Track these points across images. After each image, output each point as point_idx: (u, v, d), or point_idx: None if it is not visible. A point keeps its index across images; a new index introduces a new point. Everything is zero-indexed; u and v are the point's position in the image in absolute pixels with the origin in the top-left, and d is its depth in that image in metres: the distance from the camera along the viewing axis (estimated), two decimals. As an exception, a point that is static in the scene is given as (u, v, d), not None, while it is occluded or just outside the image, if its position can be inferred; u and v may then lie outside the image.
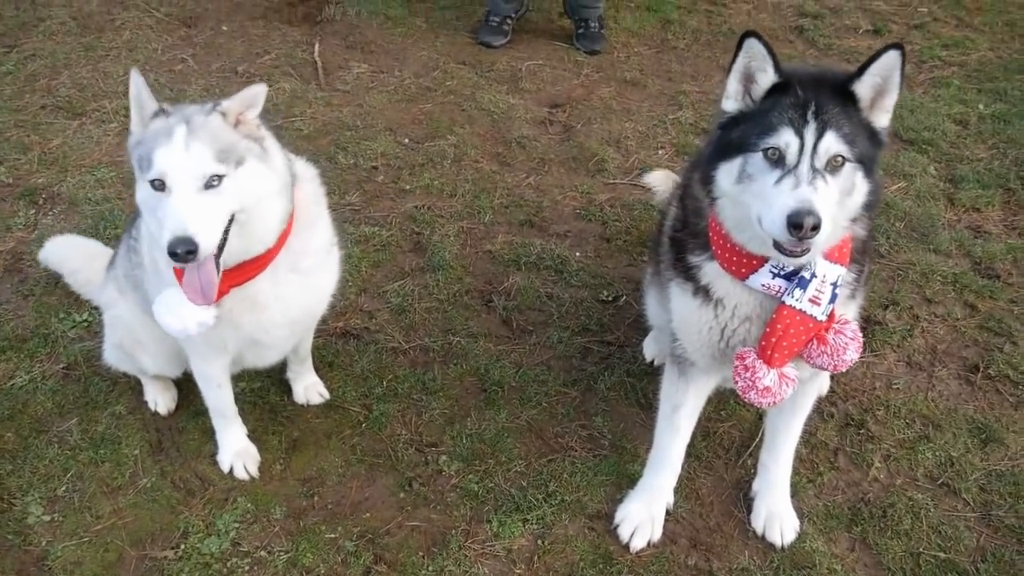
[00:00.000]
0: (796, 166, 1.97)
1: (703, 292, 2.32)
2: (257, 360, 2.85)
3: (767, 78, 2.05)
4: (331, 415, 3.16)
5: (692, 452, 2.94)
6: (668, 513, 2.83)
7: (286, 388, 3.22)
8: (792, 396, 2.59)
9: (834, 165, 1.99)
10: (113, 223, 3.89)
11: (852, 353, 2.24)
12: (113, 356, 3.04)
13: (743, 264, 2.19)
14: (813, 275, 2.16)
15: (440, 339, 3.48)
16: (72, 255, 3.47)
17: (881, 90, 2.07)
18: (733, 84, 2.09)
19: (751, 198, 2.04)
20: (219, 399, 2.88)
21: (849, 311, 2.34)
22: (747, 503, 2.88)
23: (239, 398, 3.05)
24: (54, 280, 3.58)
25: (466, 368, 3.36)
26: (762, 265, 2.18)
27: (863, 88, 2.05)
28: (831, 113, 1.99)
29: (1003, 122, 4.85)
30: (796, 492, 2.88)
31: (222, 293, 2.37)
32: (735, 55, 2.06)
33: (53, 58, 5.17)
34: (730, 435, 3.13)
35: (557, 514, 2.84)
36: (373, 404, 3.19)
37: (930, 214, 4.15)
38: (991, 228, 4.11)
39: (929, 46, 5.68)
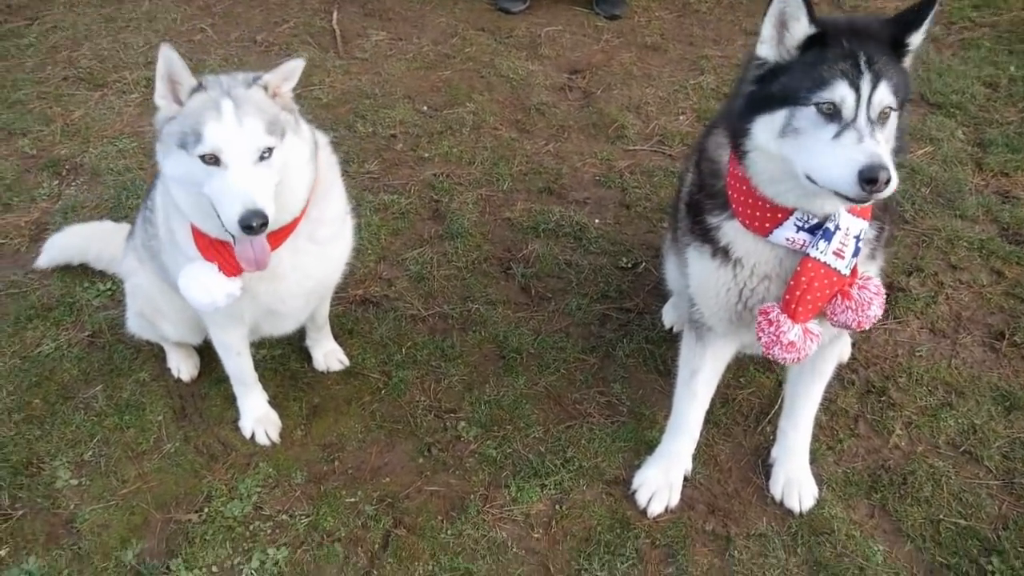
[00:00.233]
0: (854, 120, 1.93)
1: (722, 253, 2.30)
2: (273, 329, 2.88)
3: (800, 28, 1.97)
4: (351, 382, 3.18)
5: (711, 419, 2.93)
6: (686, 479, 2.84)
7: (306, 355, 3.25)
8: (812, 361, 2.60)
9: (884, 116, 1.97)
10: (135, 193, 3.92)
11: (876, 309, 2.19)
12: (136, 324, 3.08)
13: (767, 219, 2.15)
14: (837, 227, 2.13)
15: (459, 306, 3.49)
16: (81, 244, 3.46)
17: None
18: (768, 29, 2.01)
19: (796, 152, 1.99)
20: (239, 367, 2.91)
21: (871, 272, 2.31)
22: (766, 469, 2.88)
23: (260, 365, 3.09)
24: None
25: (485, 335, 3.37)
26: (786, 219, 2.15)
27: (917, 38, 2.03)
28: (881, 64, 1.94)
29: (1034, 84, 4.75)
30: (815, 459, 2.87)
31: (231, 264, 2.40)
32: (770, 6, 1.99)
33: (74, 30, 5.20)
34: (749, 402, 3.12)
35: (575, 480, 2.85)
36: (392, 371, 3.21)
37: (957, 179, 4.09)
38: (1020, 193, 4.03)
39: (960, 7, 5.56)
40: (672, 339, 3.28)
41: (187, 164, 2.20)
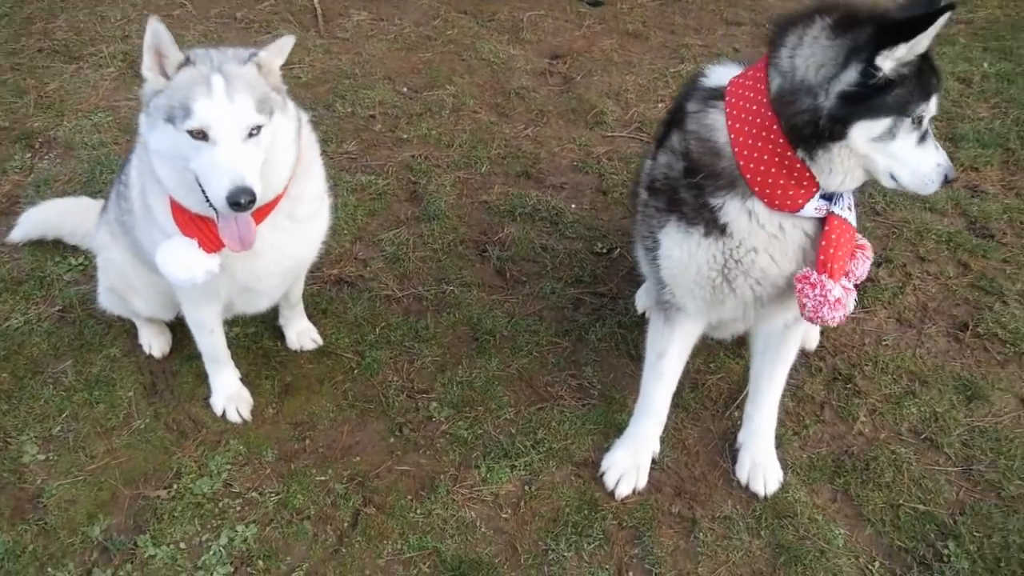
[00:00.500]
0: (927, 128, 2.16)
1: (718, 230, 2.31)
2: (248, 307, 2.88)
3: (917, 47, 2.03)
4: (324, 361, 3.19)
5: (680, 403, 2.97)
6: (654, 462, 2.88)
7: (279, 334, 3.25)
8: (777, 345, 2.70)
9: None
10: (109, 167, 3.89)
11: (864, 268, 2.36)
12: (107, 299, 3.07)
13: (799, 196, 2.21)
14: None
15: (434, 288, 3.50)
16: (57, 220, 3.44)
17: None
18: (903, 49, 2.02)
19: (883, 154, 2.14)
20: (212, 344, 2.91)
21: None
22: (732, 454, 2.92)
23: (233, 343, 3.09)
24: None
25: (459, 317, 3.38)
26: (814, 194, 2.22)
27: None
28: None
29: (1007, 81, 4.81)
30: (781, 444, 2.92)
31: (213, 240, 2.39)
32: (923, 30, 1.99)
33: (50, 1, 5.13)
34: (718, 387, 3.16)
35: (544, 461, 2.88)
36: (365, 351, 3.22)
37: (928, 172, 4.13)
38: (988, 188, 4.09)
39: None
40: (644, 324, 3.29)
41: (174, 138, 2.19)
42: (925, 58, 2.06)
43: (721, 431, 3.02)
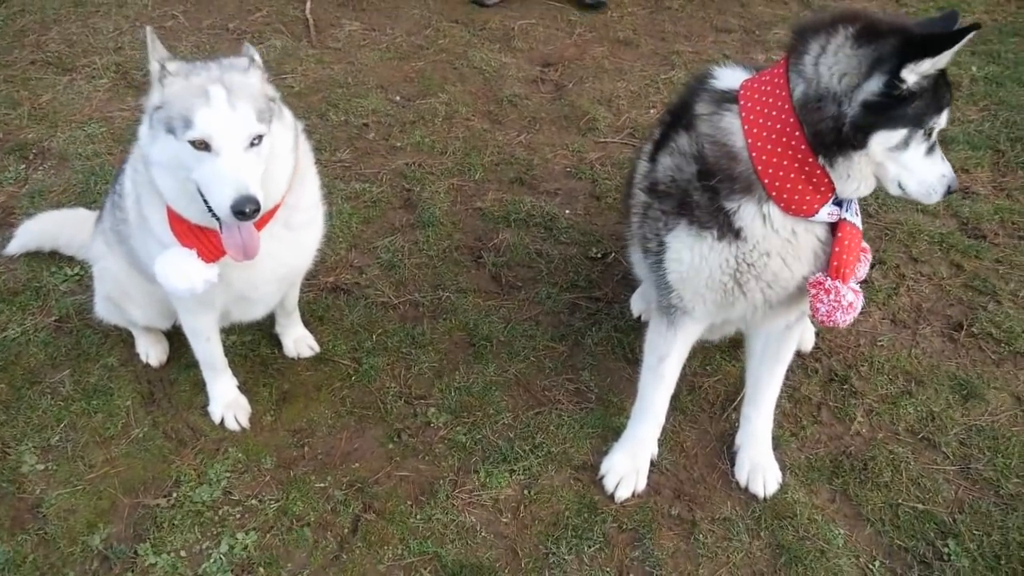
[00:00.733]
0: (935, 140, 2.21)
1: (732, 234, 2.32)
2: (244, 315, 2.88)
3: (940, 62, 2.06)
4: (321, 368, 3.19)
5: (677, 406, 2.98)
6: (652, 464, 2.88)
7: (277, 341, 3.25)
8: (775, 347, 2.72)
9: None
10: (103, 177, 3.89)
11: (864, 269, 2.44)
12: (103, 308, 3.06)
13: (815, 201, 2.24)
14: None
15: (430, 294, 3.50)
16: (53, 231, 3.44)
17: None
18: (927, 64, 2.06)
19: (894, 163, 2.19)
20: (209, 352, 2.91)
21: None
22: (730, 456, 2.93)
23: (230, 351, 3.09)
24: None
25: (455, 323, 3.39)
26: (828, 199, 2.25)
27: None
28: None
29: (995, 84, 4.85)
30: (779, 445, 2.93)
31: (214, 250, 2.39)
32: (950, 47, 2.02)
33: (42, 13, 5.14)
34: (715, 389, 3.17)
35: (543, 465, 2.89)
36: (363, 357, 3.23)
37: (919, 175, 4.16)
38: (979, 189, 4.13)
39: (925, 8, 5.67)
40: (640, 327, 3.32)
41: (175, 149, 2.19)
42: (942, 73, 2.10)
43: (719, 433, 3.03)
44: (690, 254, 2.39)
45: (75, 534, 2.63)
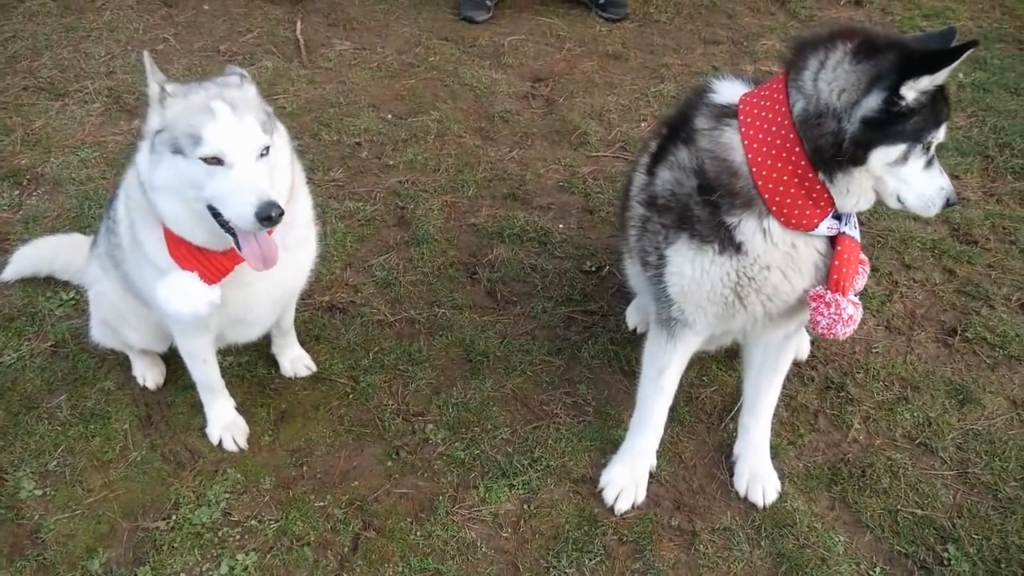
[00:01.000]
0: (934, 154, 2.24)
1: (733, 248, 2.33)
2: (239, 337, 2.89)
3: (939, 79, 2.08)
4: (318, 387, 3.19)
5: (675, 417, 2.99)
6: (651, 476, 2.89)
7: (273, 361, 3.25)
8: (775, 355, 2.74)
9: None
10: (98, 202, 3.89)
11: (862, 281, 2.46)
12: (100, 332, 3.06)
13: (815, 215, 2.26)
14: None
15: (425, 311, 3.51)
16: (49, 256, 3.43)
17: None
18: (926, 81, 2.08)
19: (893, 177, 2.21)
20: (205, 374, 2.91)
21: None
22: (729, 465, 2.94)
23: (227, 372, 3.09)
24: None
25: (451, 339, 3.39)
26: (828, 213, 2.27)
27: None
28: None
29: (982, 90, 4.89)
30: (777, 454, 2.94)
31: (230, 269, 2.41)
32: (949, 64, 2.04)
33: (34, 39, 5.15)
34: (712, 400, 3.18)
35: (543, 479, 2.89)
36: (360, 376, 3.23)
37: (909, 182, 4.19)
38: (969, 194, 4.16)
39: (910, 16, 5.72)
40: (636, 340, 3.33)
41: (184, 168, 2.20)
42: (940, 88, 2.12)
43: (717, 443, 3.04)
44: (692, 268, 2.40)
45: (74, 559, 2.62)
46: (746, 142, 2.23)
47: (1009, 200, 4.11)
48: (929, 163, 2.23)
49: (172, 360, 3.13)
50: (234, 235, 2.28)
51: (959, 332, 3.43)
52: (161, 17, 5.47)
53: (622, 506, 2.80)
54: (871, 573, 2.63)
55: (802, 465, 2.95)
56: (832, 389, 3.22)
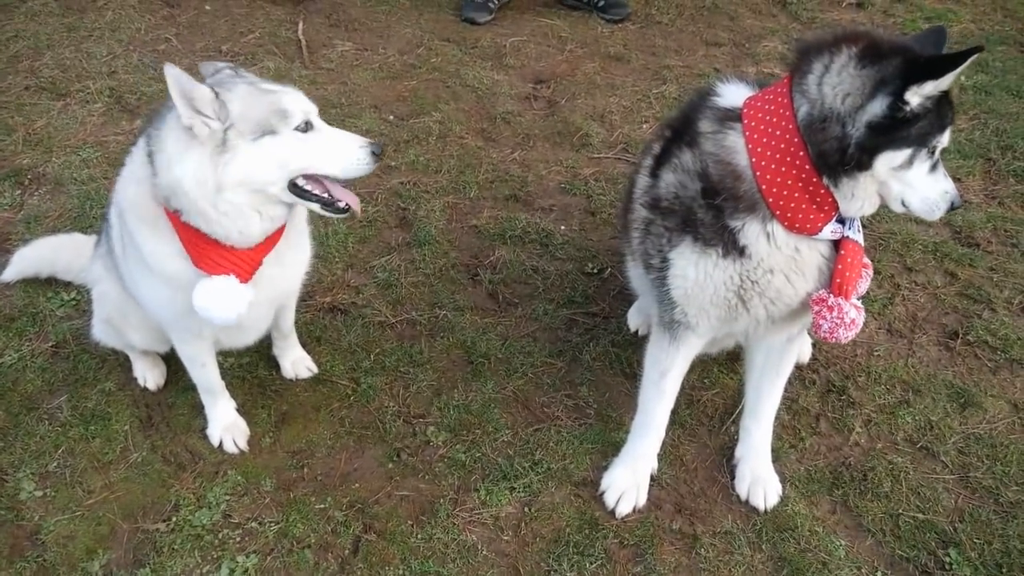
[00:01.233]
0: (938, 158, 2.23)
1: (736, 251, 2.33)
2: (235, 342, 2.89)
3: (943, 84, 2.08)
4: (319, 389, 3.19)
5: (676, 420, 2.98)
6: (653, 479, 2.88)
7: (274, 363, 3.24)
8: (778, 357, 2.73)
9: None
10: (99, 202, 3.89)
11: (865, 285, 2.46)
12: (101, 331, 3.06)
13: (819, 219, 2.25)
14: None
15: (427, 313, 3.51)
16: (50, 257, 3.43)
17: None
18: (931, 87, 2.07)
19: (898, 182, 2.20)
20: (205, 377, 2.90)
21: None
22: (730, 469, 2.93)
23: (227, 373, 3.09)
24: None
25: (453, 341, 3.39)
26: (832, 217, 2.27)
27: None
28: None
29: (984, 93, 4.89)
30: (779, 457, 2.93)
31: (260, 262, 2.46)
32: (953, 69, 2.04)
33: (36, 39, 5.15)
34: (713, 403, 3.18)
35: (544, 482, 2.88)
36: (361, 377, 3.22)
37: (911, 184, 4.19)
38: (971, 197, 4.15)
39: (912, 18, 5.71)
40: (638, 342, 3.33)
41: (277, 146, 2.27)
42: (944, 93, 2.11)
43: (718, 446, 3.03)
44: (695, 271, 2.40)
45: (74, 561, 2.62)
46: (750, 146, 2.22)
47: (1011, 203, 4.11)
48: (934, 167, 2.23)
49: (173, 361, 3.13)
50: (317, 201, 2.39)
51: (961, 335, 3.42)
52: (163, 17, 5.47)
53: (623, 509, 2.79)
54: (872, 577, 2.63)
55: (803, 468, 2.94)
56: (834, 392, 3.21)
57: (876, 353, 3.36)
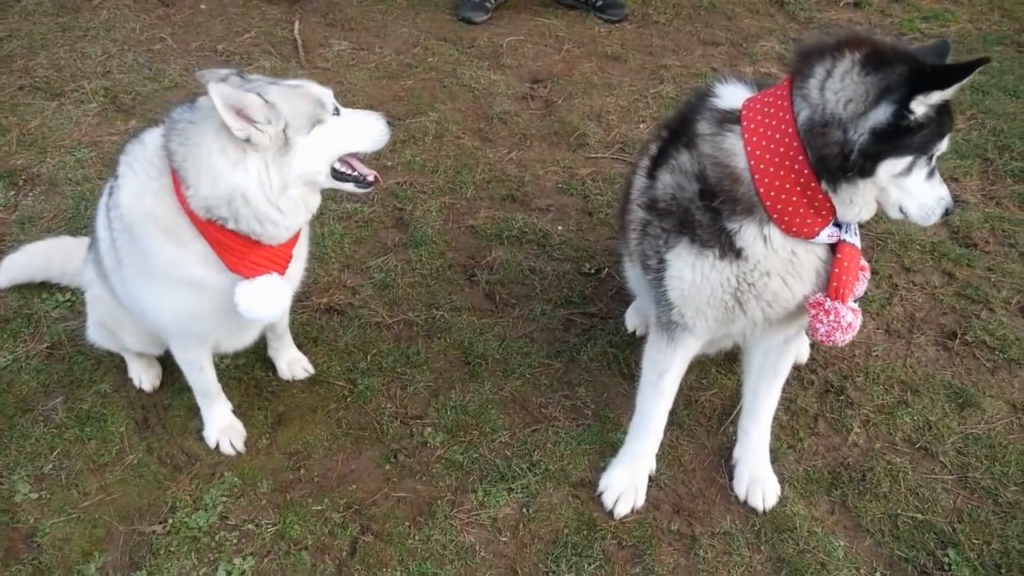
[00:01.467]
0: (935, 164, 2.23)
1: (733, 253, 2.32)
2: (234, 344, 2.88)
3: (948, 94, 2.07)
4: (316, 390, 3.17)
5: (674, 420, 2.98)
6: (651, 480, 2.87)
7: (271, 364, 3.23)
8: (775, 358, 2.72)
9: None
10: (94, 203, 3.82)
11: (862, 287, 2.45)
12: (96, 334, 3.04)
13: (816, 223, 2.25)
14: None
15: (424, 313, 3.50)
16: (42, 264, 3.40)
17: None
18: (936, 97, 2.07)
19: (896, 188, 2.21)
20: (203, 381, 2.89)
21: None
22: (729, 469, 2.93)
23: (224, 375, 3.07)
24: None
25: (450, 342, 3.38)
26: (829, 221, 2.26)
27: None
28: None
29: (981, 93, 4.88)
30: (777, 458, 2.93)
31: (291, 255, 2.53)
32: (960, 80, 2.03)
33: (30, 39, 5.13)
34: (712, 403, 3.17)
35: (541, 483, 2.87)
36: (358, 378, 3.21)
37: (909, 184, 4.19)
38: (969, 197, 4.15)
39: (909, 18, 5.71)
40: (635, 342, 3.32)
41: (326, 133, 2.36)
42: (946, 101, 2.10)
43: (716, 447, 3.02)
44: (692, 272, 2.39)
45: (70, 563, 2.60)
46: (749, 148, 2.21)
47: (1008, 203, 4.11)
48: (931, 173, 2.23)
49: (168, 362, 3.10)
50: (352, 180, 2.50)
51: (959, 335, 3.42)
52: (158, 17, 5.45)
53: (621, 510, 2.78)
54: (871, 578, 2.63)
55: (802, 469, 2.94)
56: (832, 392, 3.21)
57: (874, 353, 3.36)
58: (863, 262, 2.40)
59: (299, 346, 3.25)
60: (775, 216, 2.22)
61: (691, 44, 5.47)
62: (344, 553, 2.66)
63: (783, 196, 2.19)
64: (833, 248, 2.30)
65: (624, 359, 3.31)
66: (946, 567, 2.64)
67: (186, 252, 2.38)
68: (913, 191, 2.22)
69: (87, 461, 2.89)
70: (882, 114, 2.06)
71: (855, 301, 2.34)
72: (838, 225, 2.27)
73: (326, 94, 2.40)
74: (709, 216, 2.30)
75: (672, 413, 2.87)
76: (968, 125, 4.62)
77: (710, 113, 2.34)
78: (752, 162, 2.20)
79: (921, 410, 3.13)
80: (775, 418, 2.89)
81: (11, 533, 2.68)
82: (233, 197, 2.28)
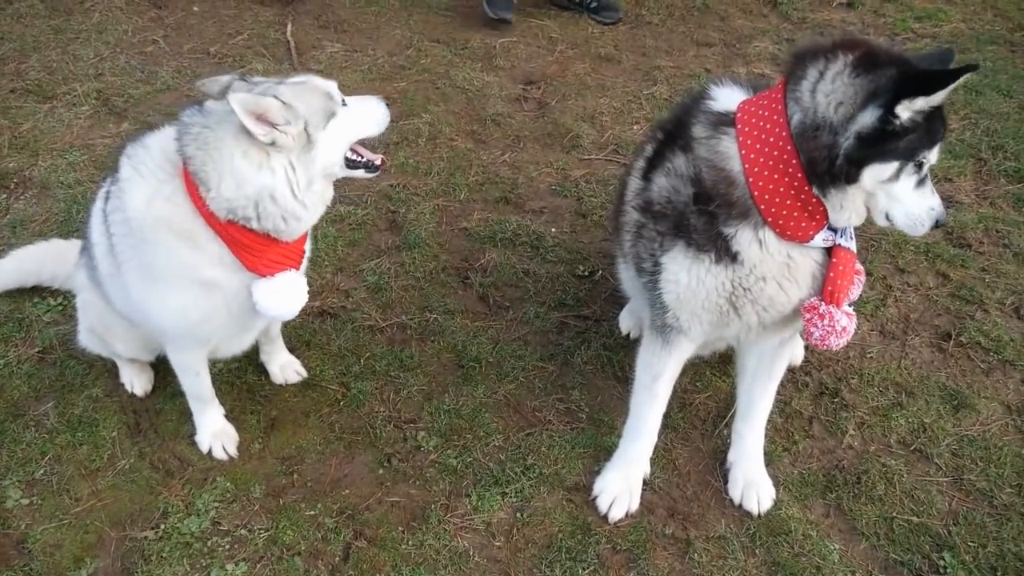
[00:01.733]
0: (926, 173, 2.21)
1: (729, 257, 2.31)
2: (233, 348, 2.88)
3: (935, 100, 2.06)
4: (309, 394, 3.16)
5: (668, 423, 2.97)
6: (645, 483, 2.86)
7: (263, 368, 3.21)
8: (770, 361, 2.72)
9: None
10: (86, 206, 3.83)
11: (858, 291, 2.46)
12: (87, 339, 3.02)
13: (811, 228, 2.24)
14: None
15: (417, 316, 3.48)
16: (32, 269, 3.38)
17: None
18: (922, 102, 2.05)
19: (884, 194, 2.19)
20: (197, 386, 2.88)
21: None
22: (723, 473, 2.92)
23: (216, 379, 3.05)
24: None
25: (443, 345, 3.37)
26: (823, 226, 2.25)
27: None
28: None
29: (975, 93, 4.88)
30: (771, 461, 2.92)
31: (304, 250, 2.59)
32: (945, 87, 2.01)
33: (22, 41, 5.10)
34: (706, 406, 3.16)
35: (536, 487, 2.86)
36: (351, 382, 3.20)
37: (903, 185, 4.18)
38: (963, 198, 4.15)
39: (902, 18, 5.71)
40: (629, 345, 3.31)
41: (340, 124, 2.41)
42: (937, 108, 2.09)
43: (711, 450, 3.02)
44: (687, 276, 2.38)
45: (62, 570, 2.59)
46: (743, 152, 2.20)
47: (1002, 203, 4.11)
48: (921, 182, 2.21)
49: (160, 367, 3.10)
50: (362, 167, 2.53)
51: (953, 337, 3.42)
52: (150, 19, 5.43)
53: (616, 514, 2.78)
54: (866, 581, 2.62)
55: (797, 472, 2.93)
56: (826, 395, 3.20)
57: (869, 355, 3.35)
58: (858, 266, 2.39)
59: (292, 350, 3.24)
60: (770, 220, 2.21)
61: (684, 45, 5.47)
62: (337, 559, 2.65)
63: (777, 200, 2.18)
64: (829, 252, 2.30)
65: (618, 362, 3.30)
66: (942, 570, 2.64)
67: (201, 254, 2.38)
68: (902, 198, 2.20)
69: (79, 466, 2.88)
70: (868, 118, 2.05)
71: (850, 305, 2.34)
72: (833, 229, 2.26)
73: (332, 86, 2.44)
74: (705, 220, 2.29)
75: (666, 416, 2.86)
76: (962, 125, 4.62)
77: (705, 116, 2.33)
78: (747, 165, 2.19)
79: (916, 412, 3.12)
80: (770, 421, 2.89)
81: (2, 539, 2.66)
82: (261, 197, 2.31)
